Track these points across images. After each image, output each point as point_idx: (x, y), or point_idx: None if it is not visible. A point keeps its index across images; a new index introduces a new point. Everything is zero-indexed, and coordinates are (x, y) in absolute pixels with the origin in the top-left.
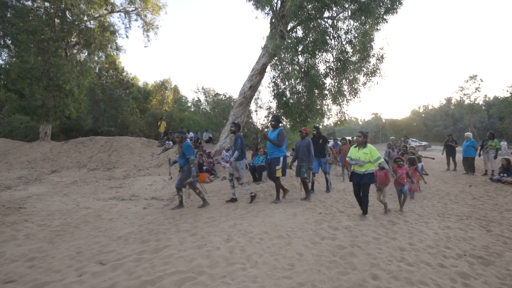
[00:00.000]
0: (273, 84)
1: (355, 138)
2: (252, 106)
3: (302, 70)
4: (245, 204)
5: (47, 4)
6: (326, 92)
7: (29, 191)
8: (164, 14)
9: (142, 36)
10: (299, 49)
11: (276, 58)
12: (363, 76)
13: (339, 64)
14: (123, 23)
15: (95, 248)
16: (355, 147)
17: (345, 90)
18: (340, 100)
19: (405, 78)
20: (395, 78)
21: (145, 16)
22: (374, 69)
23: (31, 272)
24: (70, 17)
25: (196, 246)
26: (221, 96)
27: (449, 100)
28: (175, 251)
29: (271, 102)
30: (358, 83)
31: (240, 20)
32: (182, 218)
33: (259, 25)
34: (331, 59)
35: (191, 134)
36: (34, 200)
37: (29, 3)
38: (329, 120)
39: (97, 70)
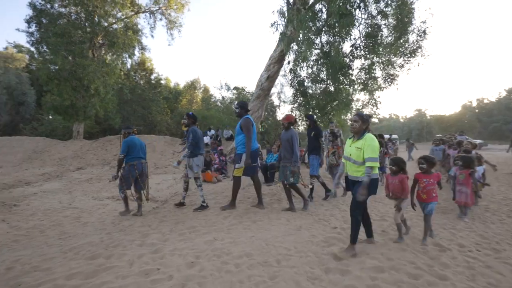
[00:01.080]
0: (291, 71)
1: (349, 123)
2: (276, 101)
3: (324, 50)
4: (243, 210)
5: (76, 8)
6: (354, 78)
7: (42, 188)
8: (187, 11)
9: (166, 35)
10: (319, 25)
11: (293, 43)
12: (400, 57)
13: (369, 41)
14: (148, 23)
15: (33, 263)
16: (350, 138)
17: (378, 76)
18: (372, 87)
19: (454, 67)
20: (441, 67)
21: (169, 14)
22: (414, 47)
23: None
24: (97, 19)
25: (143, 271)
26: (240, 89)
27: (510, 91)
28: (114, 277)
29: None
30: (394, 66)
31: (261, 12)
32: (159, 226)
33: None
34: (358, 35)
35: (212, 131)
36: (36, 198)
37: (62, 9)
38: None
39: (125, 71)
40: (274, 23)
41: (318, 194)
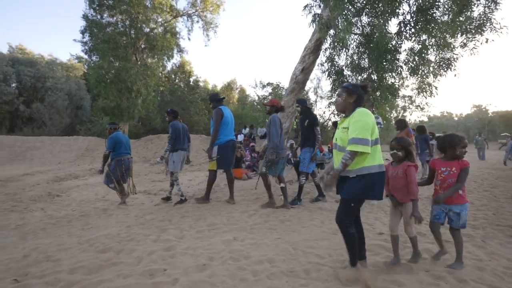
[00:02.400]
0: (328, 60)
1: (334, 98)
2: (312, 97)
3: (365, 33)
4: (271, 208)
5: (121, 16)
6: (401, 64)
7: (86, 181)
8: (222, 11)
9: (202, 36)
10: (358, 5)
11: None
12: (461, 35)
13: (420, 17)
14: (185, 26)
15: (48, 252)
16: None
17: (431, 60)
18: (423, 73)
19: None
20: (505, 55)
21: (205, 16)
22: (481, 22)
23: None
24: (139, 25)
25: (148, 271)
26: (274, 85)
27: None
28: (115, 275)
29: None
30: (451, 49)
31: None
32: (179, 222)
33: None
34: (407, 9)
35: (247, 129)
36: (77, 190)
37: (110, 19)
38: (406, 101)
39: (165, 73)
40: (307, 5)
41: (331, 196)
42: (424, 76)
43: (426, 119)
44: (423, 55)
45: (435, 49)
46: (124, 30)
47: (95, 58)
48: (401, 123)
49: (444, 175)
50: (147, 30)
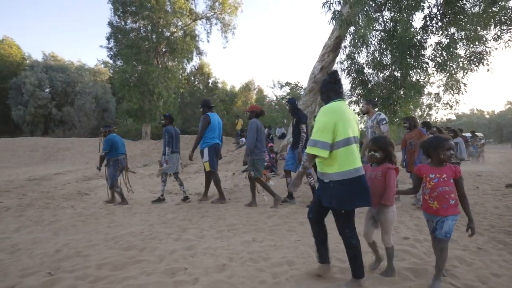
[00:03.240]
0: (348, 57)
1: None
2: None
3: (387, 29)
4: (290, 210)
5: (144, 21)
6: (427, 59)
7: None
8: (240, 13)
9: (220, 38)
10: (380, 0)
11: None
12: (495, 27)
13: (448, 10)
14: (204, 28)
15: (78, 248)
16: None
17: (460, 55)
18: (451, 69)
19: None
20: None
21: (223, 18)
22: None
23: None
24: (160, 29)
25: (170, 270)
26: (292, 85)
27: None
28: (139, 272)
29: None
30: (484, 41)
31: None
32: (200, 221)
33: None
34: (433, 2)
35: (265, 130)
36: (103, 189)
37: (133, 24)
38: (433, 99)
39: (185, 76)
40: (326, 2)
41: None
42: (452, 72)
43: (454, 117)
44: (451, 49)
45: (464, 43)
46: (146, 35)
47: (119, 63)
48: (411, 121)
49: (433, 183)
50: (168, 34)
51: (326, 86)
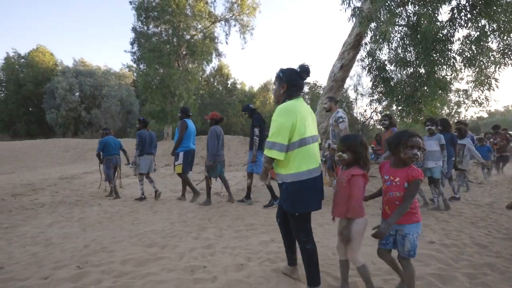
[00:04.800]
0: (369, 55)
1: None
2: (352, 95)
3: (411, 23)
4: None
5: (165, 26)
6: (454, 54)
7: (135, 180)
8: (258, 13)
9: (239, 39)
10: None
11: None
12: None
13: (478, 0)
14: (223, 30)
15: (104, 243)
16: None
17: (491, 48)
18: (481, 64)
19: None
20: None
21: (242, 19)
22: None
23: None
24: (181, 33)
25: (190, 267)
26: (310, 84)
27: None
28: (160, 269)
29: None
30: None
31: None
32: (218, 221)
33: None
34: None
35: None
36: (128, 188)
37: (155, 29)
38: (461, 96)
39: (205, 78)
40: None
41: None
42: (483, 67)
43: (485, 115)
44: (481, 43)
45: (497, 35)
46: (168, 39)
47: (142, 66)
48: (386, 120)
49: (386, 186)
50: (188, 37)
51: (294, 80)
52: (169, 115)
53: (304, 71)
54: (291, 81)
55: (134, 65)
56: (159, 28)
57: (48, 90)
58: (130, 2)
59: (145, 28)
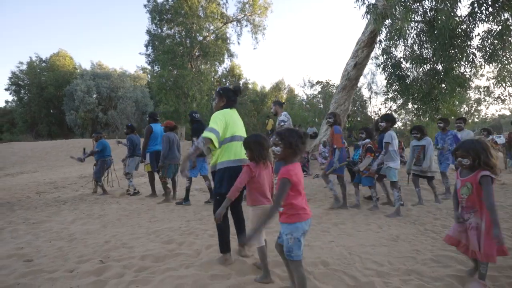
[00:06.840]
0: (383, 52)
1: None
2: (366, 93)
3: (427, 19)
4: (323, 210)
5: (178, 28)
6: (473, 50)
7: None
8: (270, 13)
9: (251, 39)
10: None
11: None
12: None
13: None
14: (235, 31)
15: (123, 239)
16: None
17: None
18: (503, 58)
19: None
20: None
21: (253, 20)
22: None
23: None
24: (194, 34)
25: (206, 264)
26: (323, 83)
27: None
28: (178, 265)
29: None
30: None
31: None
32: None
33: None
34: None
35: None
36: (144, 186)
37: (169, 31)
38: (482, 93)
39: (217, 78)
40: None
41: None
42: (505, 63)
43: (508, 113)
44: (504, 37)
45: None
46: (181, 41)
47: (156, 68)
48: (331, 117)
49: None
50: (201, 38)
51: (230, 96)
52: (183, 116)
53: (237, 90)
54: (229, 97)
55: (149, 67)
56: (173, 30)
57: (68, 92)
58: (145, 6)
59: (159, 30)
